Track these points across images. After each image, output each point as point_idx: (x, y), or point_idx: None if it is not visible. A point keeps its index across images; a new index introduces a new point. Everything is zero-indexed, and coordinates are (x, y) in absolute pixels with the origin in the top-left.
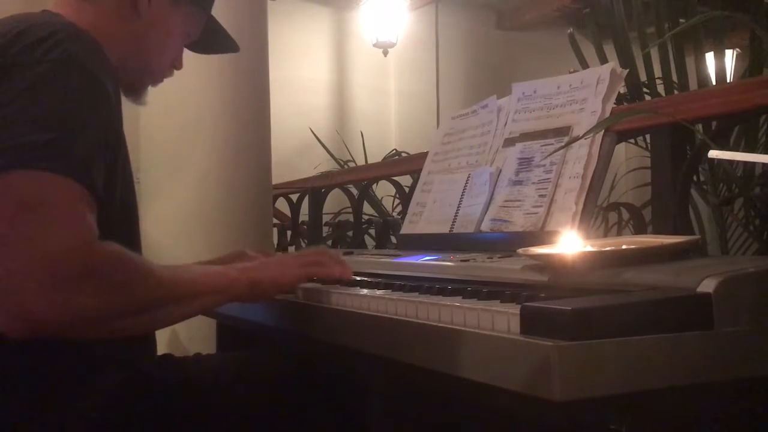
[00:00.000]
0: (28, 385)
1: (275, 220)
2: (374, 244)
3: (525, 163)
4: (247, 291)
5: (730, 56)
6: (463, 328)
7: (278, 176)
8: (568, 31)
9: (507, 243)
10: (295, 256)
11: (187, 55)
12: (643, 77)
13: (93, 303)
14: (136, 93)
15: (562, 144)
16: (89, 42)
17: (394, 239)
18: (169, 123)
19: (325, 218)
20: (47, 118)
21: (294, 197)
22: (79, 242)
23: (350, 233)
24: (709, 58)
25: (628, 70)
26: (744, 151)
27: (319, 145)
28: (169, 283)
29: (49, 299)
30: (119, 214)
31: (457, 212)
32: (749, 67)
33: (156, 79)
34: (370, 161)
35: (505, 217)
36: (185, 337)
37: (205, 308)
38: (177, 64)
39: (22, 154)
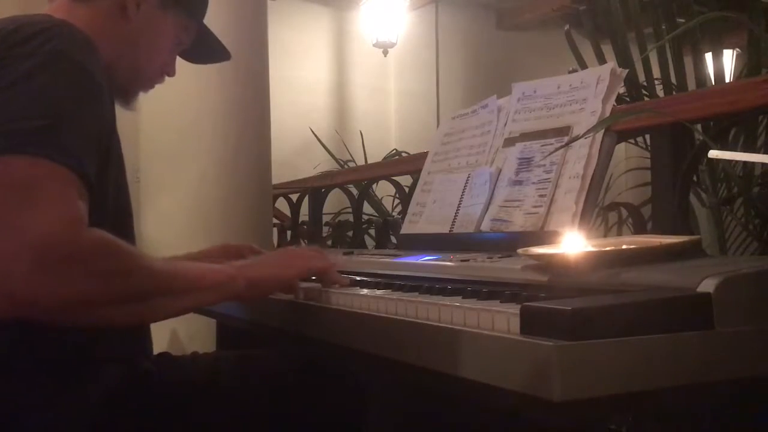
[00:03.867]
0: (26, 383)
1: (275, 220)
2: (374, 244)
3: (525, 163)
4: (245, 289)
5: (728, 56)
6: (463, 328)
7: (278, 176)
8: (565, 27)
9: (507, 243)
10: (292, 255)
11: None
12: (641, 77)
13: (79, 288)
14: (126, 97)
15: (562, 144)
16: (82, 38)
17: (394, 239)
18: (169, 123)
19: (325, 218)
20: (39, 106)
21: (294, 197)
22: (67, 227)
23: (350, 233)
24: (708, 58)
25: (627, 70)
26: (743, 150)
27: (319, 145)
28: (161, 274)
29: (35, 282)
30: (112, 209)
31: (457, 212)
32: (747, 66)
33: (146, 85)
34: (370, 161)
35: (505, 217)
36: (185, 336)
37: (200, 304)
38: (169, 71)
39: (12, 139)
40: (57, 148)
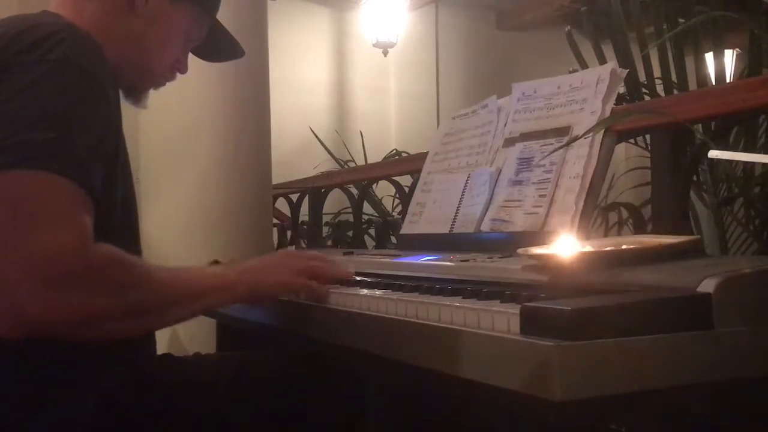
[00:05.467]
0: (29, 385)
1: (275, 220)
2: (374, 244)
3: (525, 163)
4: (248, 293)
5: (729, 56)
6: (463, 328)
7: (278, 176)
8: (566, 28)
9: (507, 243)
10: (296, 258)
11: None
12: (642, 77)
13: (86, 304)
14: (137, 95)
15: (562, 144)
16: (88, 43)
17: (394, 239)
18: (169, 123)
19: (325, 218)
20: (45, 118)
21: (294, 197)
22: (73, 243)
23: (350, 233)
24: (708, 58)
25: (628, 70)
26: (743, 151)
27: (319, 145)
28: (166, 285)
29: (42, 299)
30: (119, 214)
31: (457, 212)
32: (748, 67)
33: (157, 82)
34: (370, 161)
35: (505, 217)
36: (185, 336)
37: (205, 310)
38: (181, 68)
39: (18, 153)
40: (63, 162)
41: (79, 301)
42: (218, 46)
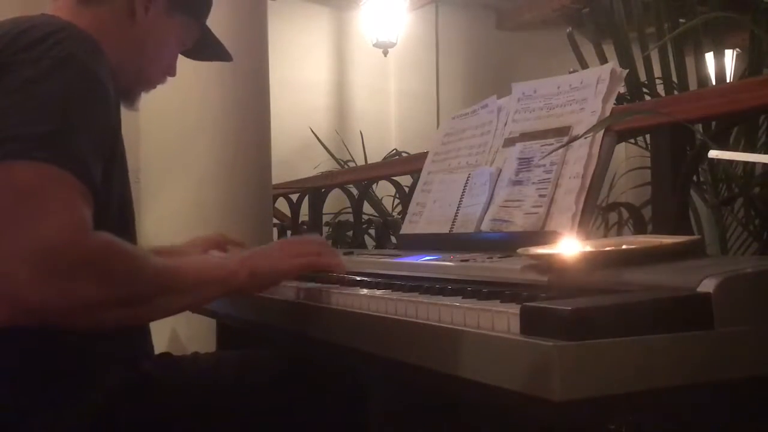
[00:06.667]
0: (27, 384)
1: (275, 220)
2: (374, 244)
3: (525, 163)
4: (248, 282)
5: (729, 56)
6: (463, 328)
7: (278, 176)
8: (567, 30)
9: (507, 243)
10: (292, 243)
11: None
12: (642, 77)
13: (87, 292)
14: (130, 98)
15: (562, 144)
16: (89, 42)
17: (394, 239)
18: (169, 123)
19: (325, 218)
20: (46, 111)
21: (294, 197)
22: (74, 232)
23: (350, 233)
24: (709, 58)
25: (628, 70)
26: (744, 151)
27: (319, 145)
28: (165, 273)
29: (43, 288)
30: (116, 212)
31: (457, 212)
32: (749, 67)
33: (149, 87)
34: (370, 161)
35: (505, 217)
36: (185, 336)
37: (204, 300)
38: (170, 71)
39: (19, 145)
40: (64, 154)
41: (78, 289)
42: (206, 47)
